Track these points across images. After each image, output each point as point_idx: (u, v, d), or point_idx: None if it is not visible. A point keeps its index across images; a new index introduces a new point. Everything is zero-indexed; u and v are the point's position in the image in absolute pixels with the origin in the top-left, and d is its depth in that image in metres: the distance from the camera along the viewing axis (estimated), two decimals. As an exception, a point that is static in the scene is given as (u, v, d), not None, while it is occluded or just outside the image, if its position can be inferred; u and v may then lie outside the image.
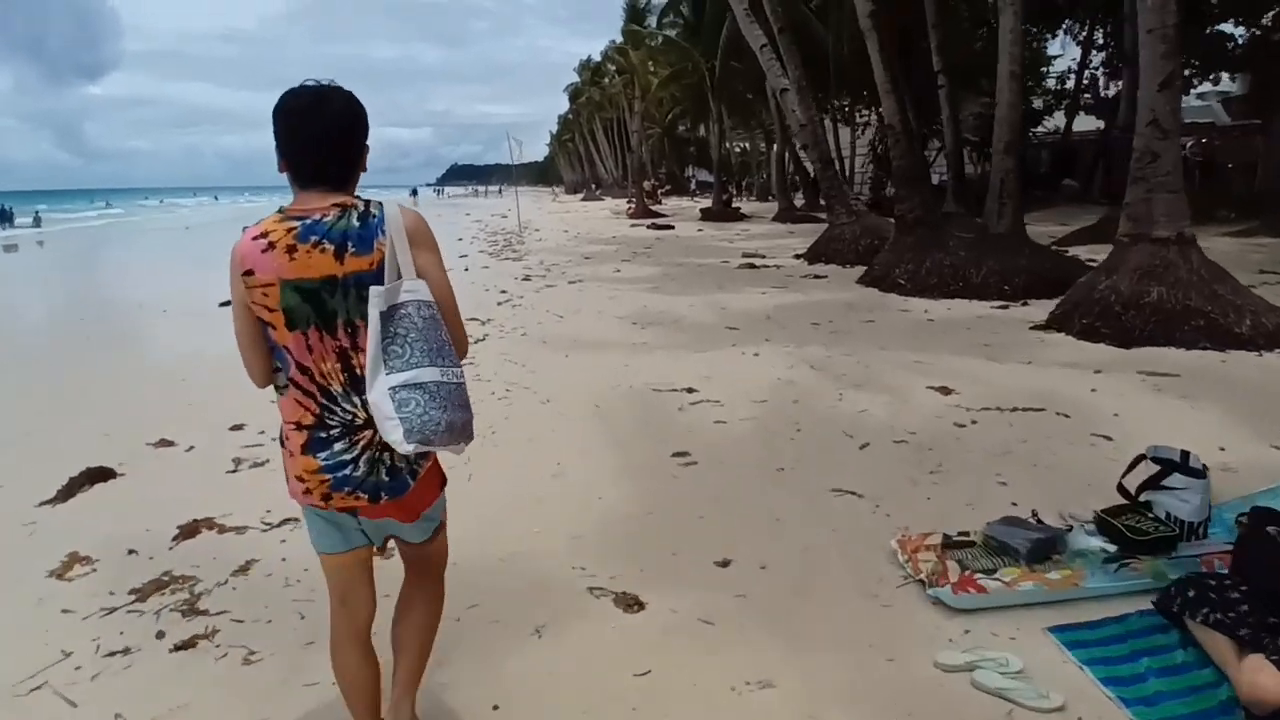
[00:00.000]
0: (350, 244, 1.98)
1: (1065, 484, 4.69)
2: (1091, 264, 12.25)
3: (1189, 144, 29.47)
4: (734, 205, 34.41)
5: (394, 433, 1.95)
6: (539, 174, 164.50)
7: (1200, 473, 3.90)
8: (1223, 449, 5.31)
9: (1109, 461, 5.02)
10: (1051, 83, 31.09)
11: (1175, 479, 3.86)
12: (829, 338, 8.61)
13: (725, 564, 3.72)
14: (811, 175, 38.38)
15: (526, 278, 14.83)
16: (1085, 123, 33.70)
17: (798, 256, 16.54)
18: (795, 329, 9.11)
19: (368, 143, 2.15)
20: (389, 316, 1.96)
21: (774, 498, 4.48)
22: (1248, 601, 3.01)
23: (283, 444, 2.16)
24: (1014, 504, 4.39)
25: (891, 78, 12.71)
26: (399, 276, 2.00)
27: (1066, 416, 5.90)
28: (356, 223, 2.00)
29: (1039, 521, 3.88)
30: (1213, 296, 8.02)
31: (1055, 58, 31.10)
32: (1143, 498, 3.99)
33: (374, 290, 1.96)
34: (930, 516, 4.19)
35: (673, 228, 27.81)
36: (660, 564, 3.73)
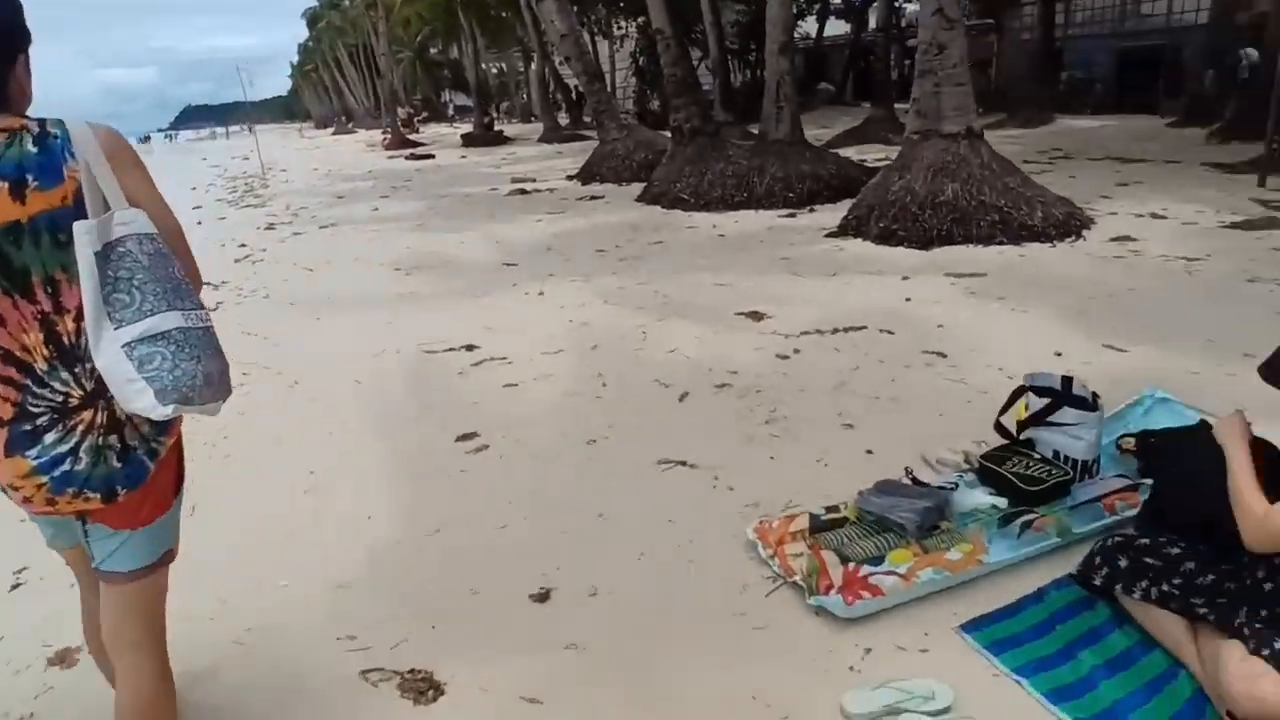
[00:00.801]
0: (31, 176, 1.52)
1: (917, 419, 4.10)
2: (865, 165, 12.07)
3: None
4: (496, 129, 32.80)
5: (141, 398, 1.54)
6: (284, 110, 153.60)
7: (1091, 404, 3.33)
8: (1059, 354, 4.92)
9: (952, 385, 4.51)
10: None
11: (1065, 413, 3.27)
12: (619, 265, 7.76)
13: (544, 597, 2.78)
14: (575, 92, 37.42)
15: (270, 226, 13.06)
16: (835, 27, 34.41)
17: (570, 178, 15.57)
18: (581, 258, 8.20)
19: (23, 53, 1.65)
20: (105, 258, 1.54)
21: (590, 484, 3.59)
22: (1193, 558, 2.43)
23: None
24: (869, 451, 3.75)
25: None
26: (106, 208, 1.57)
27: (890, 333, 5.37)
28: (34, 148, 1.53)
29: (915, 481, 3.19)
30: (1005, 190, 7.79)
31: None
32: (1025, 435, 3.40)
33: (80, 227, 1.53)
34: (781, 484, 3.44)
35: (433, 156, 26.03)
36: (459, 612, 2.74)
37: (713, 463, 3.68)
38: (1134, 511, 3.03)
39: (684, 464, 3.68)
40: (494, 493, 3.55)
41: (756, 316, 5.81)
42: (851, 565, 2.72)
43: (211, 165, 34.75)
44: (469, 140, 30.52)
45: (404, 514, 3.44)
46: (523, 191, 14.12)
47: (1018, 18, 27.16)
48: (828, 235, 8.36)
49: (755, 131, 13.35)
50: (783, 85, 10.94)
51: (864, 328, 5.46)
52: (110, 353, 1.53)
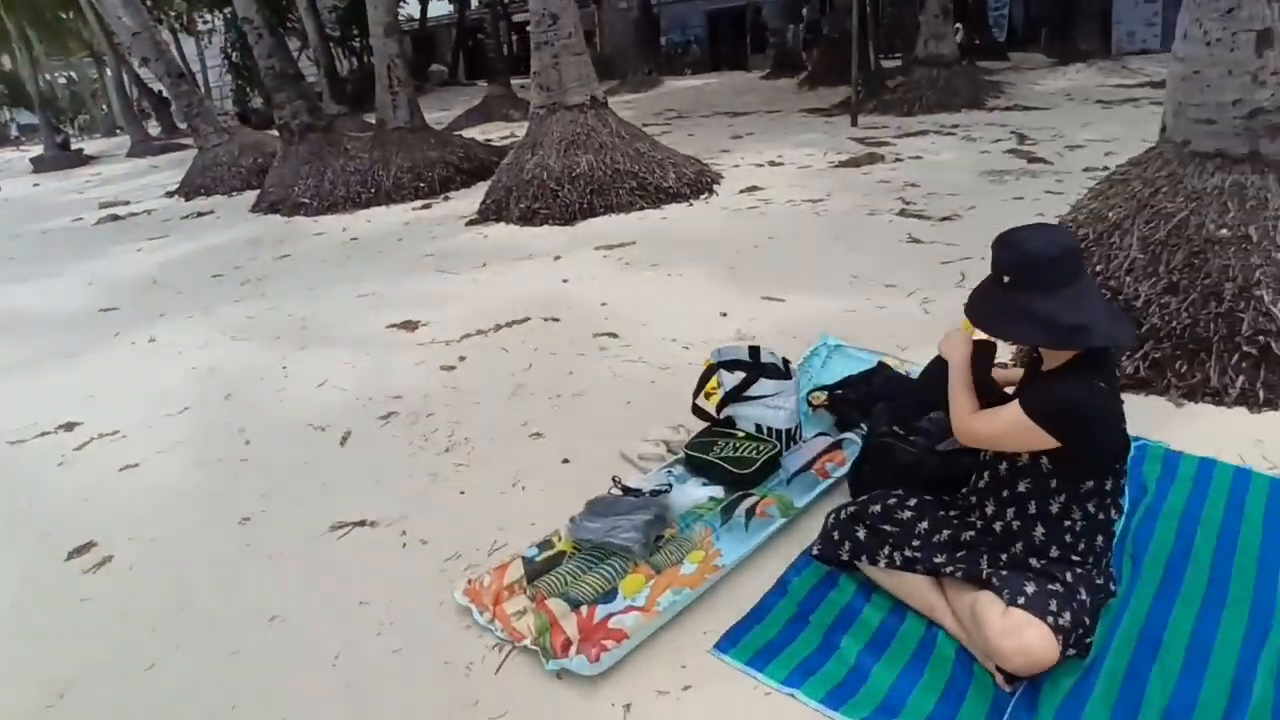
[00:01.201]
0: None
1: (605, 412, 3.84)
2: (494, 145, 11.76)
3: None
4: (74, 147, 28.75)
5: None
6: None
7: (785, 371, 3.20)
8: (724, 314, 4.89)
9: (631, 367, 4.30)
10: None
11: (762, 385, 3.11)
12: (242, 291, 6.82)
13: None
14: (162, 96, 33.77)
15: None
16: (438, 8, 33.69)
17: (170, 194, 13.79)
18: (195, 289, 7.13)
19: None
20: None
21: (253, 577, 2.93)
22: (924, 515, 2.40)
23: None
24: (565, 461, 3.42)
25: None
26: None
27: (556, 320, 5.08)
28: None
29: (626, 490, 2.89)
30: (638, 156, 7.77)
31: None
32: (725, 414, 3.21)
33: None
34: (480, 523, 3.02)
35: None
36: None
37: (396, 514, 3.16)
38: (844, 470, 2.97)
39: (363, 524, 3.13)
40: (129, 621, 2.78)
41: (410, 326, 5.27)
42: (583, 609, 2.37)
43: None
44: (41, 164, 26.49)
45: (6, 684, 2.60)
46: (115, 218, 12.27)
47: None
48: (469, 223, 7.92)
49: (372, 121, 12.58)
50: (394, 69, 10.28)
51: (527, 319, 5.12)
52: None
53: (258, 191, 11.87)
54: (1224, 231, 3.68)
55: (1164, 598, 2.41)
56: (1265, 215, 3.64)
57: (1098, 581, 2.21)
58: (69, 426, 4.53)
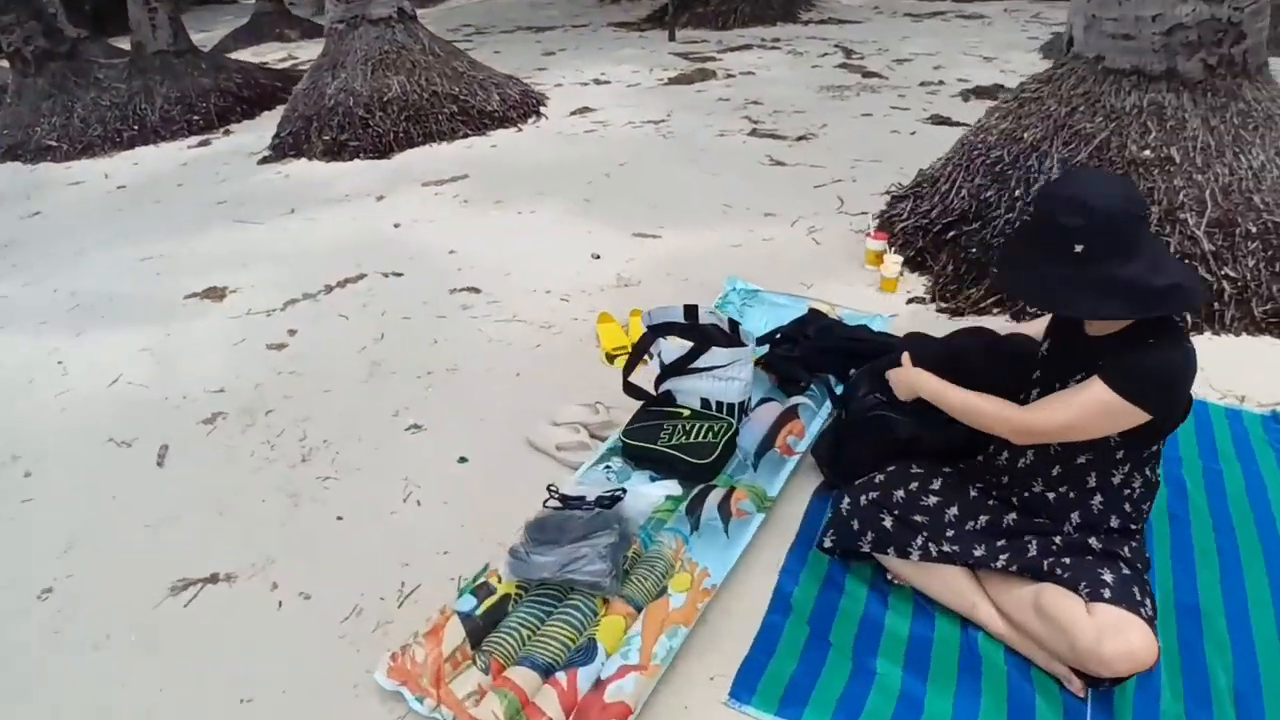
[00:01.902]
0: None
1: (494, 391, 3.18)
2: (280, 70, 10.42)
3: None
4: None
5: None
6: None
7: (734, 335, 2.64)
8: (598, 256, 4.29)
9: (508, 328, 3.68)
10: None
11: (713, 355, 2.53)
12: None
13: None
14: None
15: None
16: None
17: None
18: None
19: None
20: None
21: (68, 680, 2.12)
22: (951, 500, 2.06)
23: None
24: (462, 460, 2.76)
25: None
26: None
27: (399, 275, 4.31)
28: None
29: (566, 500, 2.27)
30: (456, 76, 6.89)
31: None
32: (664, 388, 2.63)
33: None
34: (376, 562, 2.35)
35: None
36: None
37: (257, 559, 2.43)
38: (805, 443, 2.50)
39: (215, 579, 2.38)
40: None
41: (215, 294, 4.33)
42: (559, 676, 1.77)
43: None
44: None
45: None
46: None
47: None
48: (262, 161, 6.80)
49: (124, 47, 10.83)
50: (140, -18, 8.75)
51: (363, 276, 4.31)
52: None
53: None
54: (1147, 153, 3.49)
55: (1181, 557, 2.21)
56: (1184, 136, 3.51)
57: (1146, 555, 1.93)
58: None
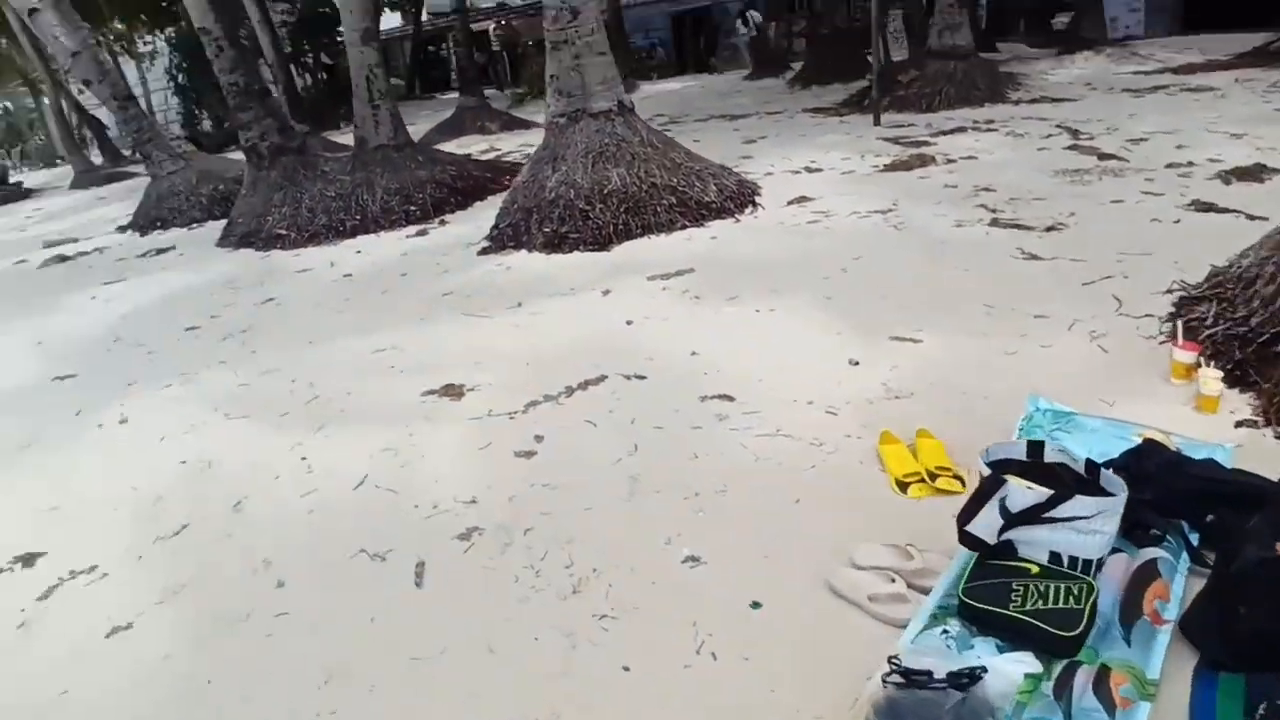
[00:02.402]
0: None
1: (770, 520, 2.84)
2: (490, 161, 10.72)
3: (493, 27, 30.01)
4: (13, 181, 27.10)
5: None
6: None
7: (1095, 481, 2.23)
8: (856, 362, 3.91)
9: (769, 441, 3.33)
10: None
11: (1077, 504, 2.12)
12: (227, 349, 5.70)
13: None
14: (101, 124, 32.15)
15: None
16: (386, 22, 32.46)
17: (123, 229, 12.56)
18: (168, 347, 6.00)
19: None
20: None
21: None
22: None
23: None
24: (755, 605, 2.43)
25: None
26: None
27: (642, 378, 4.06)
28: None
29: (910, 678, 1.88)
30: (674, 167, 6.78)
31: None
32: (1007, 537, 2.22)
33: None
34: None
35: (-70, 229, 20.77)
36: None
37: (540, 712, 2.13)
38: (1174, 608, 2.04)
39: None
40: None
41: (453, 392, 4.22)
42: None
43: None
44: (-25, 201, 24.90)
45: None
46: (63, 258, 11.02)
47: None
48: (482, 252, 6.85)
49: (339, 141, 11.50)
50: (374, 80, 9.19)
51: (604, 378, 4.09)
52: None
53: (223, 223, 10.71)
54: None
55: None
56: None
57: None
58: (28, 560, 3.42)
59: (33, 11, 12.46)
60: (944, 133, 9.45)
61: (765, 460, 3.19)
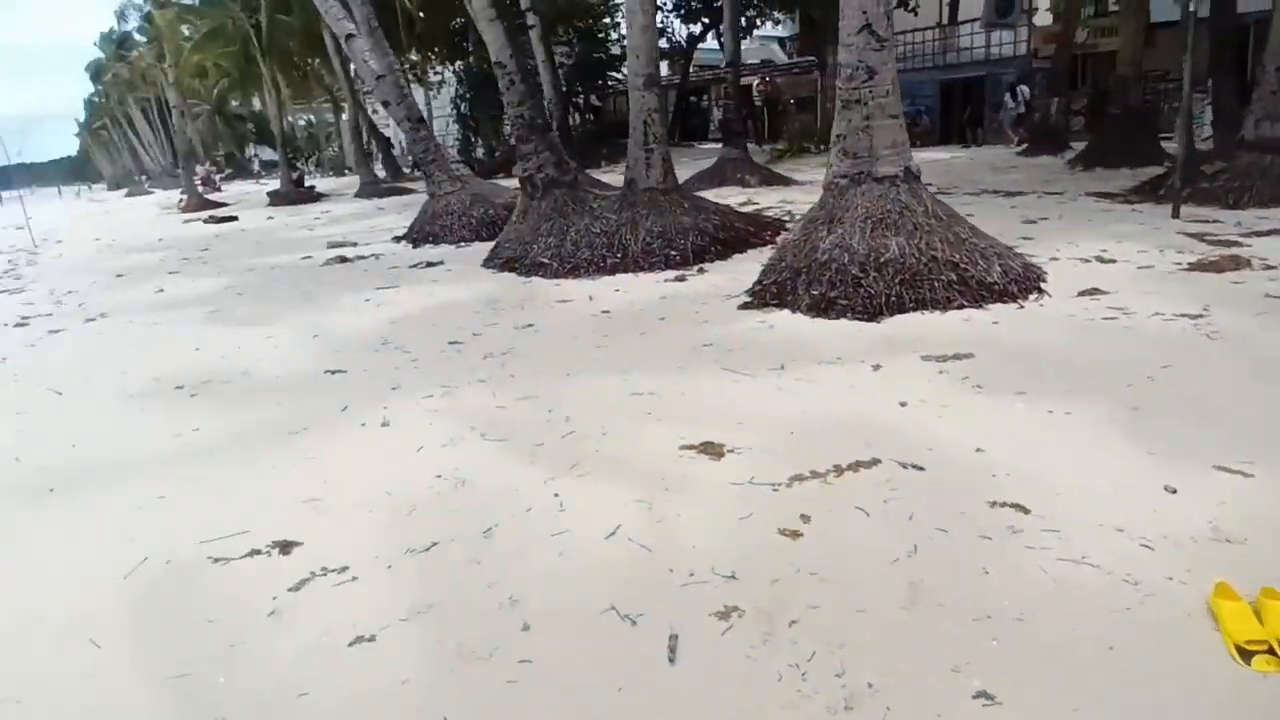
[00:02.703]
0: None
1: (1083, 666, 2.41)
2: (756, 215, 10.61)
3: (756, 82, 30.34)
4: (307, 184, 29.93)
5: None
6: (76, 172, 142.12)
7: None
8: (1173, 490, 3.39)
9: (1073, 569, 2.90)
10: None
11: None
12: (486, 366, 5.80)
13: None
14: (392, 142, 35.02)
15: (22, 321, 10.33)
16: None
17: (398, 239, 13.45)
18: (431, 357, 6.20)
19: None
20: None
21: None
22: None
23: None
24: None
25: (495, 2, 9.98)
26: None
27: (919, 469, 3.70)
28: None
29: None
30: (957, 242, 6.36)
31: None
32: None
33: None
34: None
35: (236, 218, 23.11)
36: None
37: None
38: None
39: None
40: None
41: (714, 452, 4.02)
42: None
43: (-30, 240, 30.46)
44: (276, 198, 27.63)
45: None
46: (343, 260, 11.89)
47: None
48: (743, 306, 6.68)
49: (605, 180, 11.78)
50: (651, 125, 9.31)
51: (877, 462, 3.76)
52: None
53: (488, 244, 11.20)
54: None
55: None
56: None
57: None
58: (285, 547, 3.50)
59: (349, 37, 13.65)
60: (1259, 234, 8.44)
61: (1069, 591, 2.76)
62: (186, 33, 33.56)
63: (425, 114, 31.68)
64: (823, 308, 6.15)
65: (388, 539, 3.48)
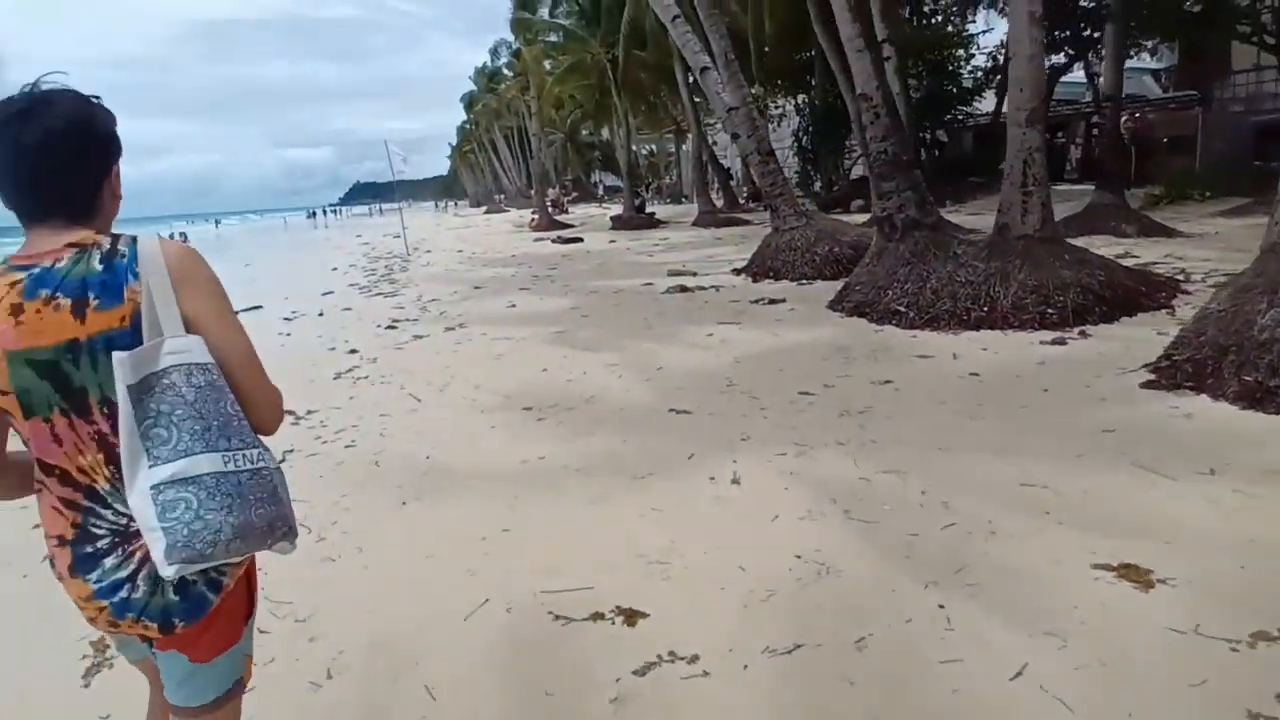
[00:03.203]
0: (92, 294, 1.45)
1: None
2: (1139, 270, 9.29)
3: (1124, 119, 27.53)
4: (648, 210, 31.05)
5: (155, 548, 1.43)
6: (443, 188, 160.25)
7: None
8: None
9: None
10: (981, 60, 28.31)
11: None
12: (844, 428, 5.26)
13: None
14: (730, 173, 35.58)
15: (392, 324, 11.25)
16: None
17: (737, 271, 13.29)
18: (780, 406, 5.78)
19: (116, 164, 1.59)
20: (146, 390, 1.44)
21: None
22: None
23: (51, 565, 1.60)
24: None
25: (864, 32, 9.50)
26: (161, 334, 1.46)
27: None
28: (99, 265, 1.46)
29: None
30: None
31: (984, 33, 28.43)
32: None
33: (117, 358, 1.43)
34: None
35: (581, 240, 24.35)
36: None
37: None
38: None
39: None
40: None
41: (1137, 578, 3.20)
42: None
43: (363, 242, 34.61)
44: (618, 222, 28.86)
45: None
46: (683, 289, 11.87)
47: (1228, 88, 23.80)
48: (1146, 385, 5.65)
49: (962, 224, 10.88)
50: (1031, 165, 8.37)
51: (1385, 629, 2.81)
52: (139, 493, 1.44)
53: (831, 284, 10.72)
54: None
55: None
56: None
57: None
58: (631, 617, 3.19)
59: (704, 70, 13.74)
60: None
61: None
62: (548, 67, 36.17)
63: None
64: (1258, 399, 5.01)
65: (742, 628, 3.06)
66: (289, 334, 11.11)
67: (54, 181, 1.51)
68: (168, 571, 1.43)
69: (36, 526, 1.72)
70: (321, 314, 13.06)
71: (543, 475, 4.84)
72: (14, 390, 1.47)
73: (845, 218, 17.55)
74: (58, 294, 1.44)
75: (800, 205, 13.28)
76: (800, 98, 30.69)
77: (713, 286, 11.93)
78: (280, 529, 1.55)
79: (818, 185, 28.87)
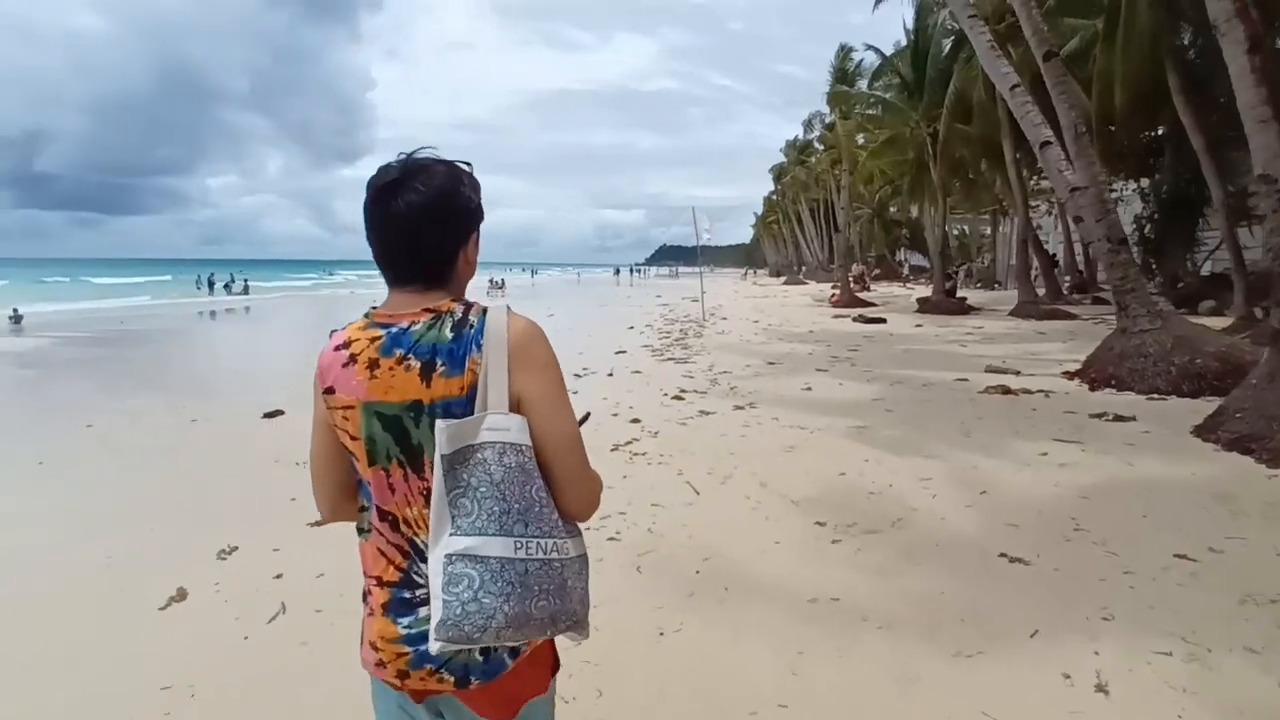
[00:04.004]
0: (440, 360, 1.52)
1: None
2: None
3: None
4: (958, 295, 29.05)
5: (433, 617, 1.45)
6: (744, 255, 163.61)
7: None
8: None
9: None
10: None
11: None
12: (1246, 618, 3.85)
13: None
14: (1055, 260, 32.76)
15: (679, 395, 10.70)
16: None
17: (1070, 375, 11.56)
18: (1150, 574, 4.42)
19: (475, 232, 1.67)
20: (460, 460, 1.47)
21: None
22: None
23: (364, 599, 1.65)
24: None
25: (1270, 98, 7.79)
26: (485, 408, 1.50)
27: None
28: (449, 334, 1.53)
29: None
30: None
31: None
32: None
33: (439, 425, 1.47)
34: None
35: (884, 320, 22.98)
36: None
37: None
38: None
39: None
40: None
41: None
42: None
43: (662, 303, 35.19)
44: (925, 305, 27.16)
45: None
46: (1005, 390, 10.38)
47: None
48: None
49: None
50: None
51: None
52: (435, 557, 1.46)
53: (1190, 402, 8.96)
54: None
55: None
56: None
57: None
58: None
59: (1045, 144, 12.28)
60: None
61: None
62: (861, 141, 35.27)
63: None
64: None
65: None
66: (576, 391, 10.82)
67: (414, 253, 1.58)
68: (434, 646, 1.45)
69: None
70: (611, 374, 12.83)
71: (835, 625, 3.87)
72: (363, 438, 1.56)
73: (1196, 319, 15.15)
74: (410, 355, 1.51)
75: (1155, 304, 11.36)
76: (1144, 181, 27.68)
77: (1040, 391, 10.36)
78: (564, 623, 1.52)
79: (1156, 280, 25.73)
